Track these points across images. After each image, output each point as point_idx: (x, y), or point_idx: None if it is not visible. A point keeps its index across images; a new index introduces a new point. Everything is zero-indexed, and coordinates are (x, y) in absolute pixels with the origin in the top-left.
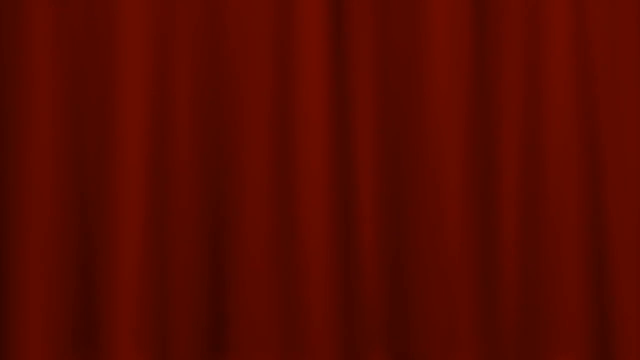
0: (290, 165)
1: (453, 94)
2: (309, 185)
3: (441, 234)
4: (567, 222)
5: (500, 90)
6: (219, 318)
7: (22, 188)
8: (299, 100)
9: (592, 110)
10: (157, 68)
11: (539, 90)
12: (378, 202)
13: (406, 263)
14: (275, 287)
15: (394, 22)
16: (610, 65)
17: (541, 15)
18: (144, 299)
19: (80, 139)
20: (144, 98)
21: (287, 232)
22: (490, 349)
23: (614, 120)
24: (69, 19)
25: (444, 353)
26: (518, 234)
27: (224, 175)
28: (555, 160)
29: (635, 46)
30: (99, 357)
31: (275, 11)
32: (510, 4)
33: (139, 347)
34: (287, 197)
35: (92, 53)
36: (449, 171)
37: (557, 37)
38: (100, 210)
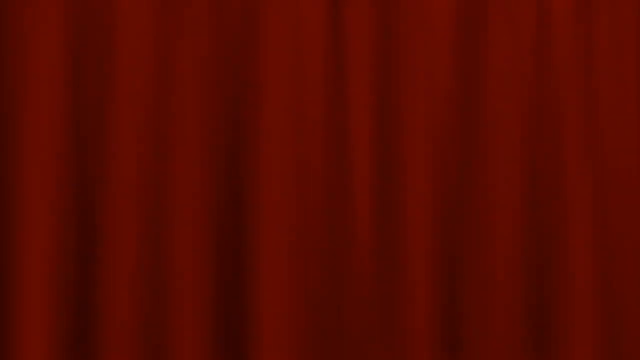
0: (295, 163)
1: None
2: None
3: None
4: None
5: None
6: (222, 319)
7: (22, 188)
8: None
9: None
10: (159, 65)
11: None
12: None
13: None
14: (280, 287)
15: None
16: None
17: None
18: (144, 300)
19: (80, 138)
20: (146, 96)
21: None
22: (495, 347)
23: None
24: (69, 16)
25: (445, 353)
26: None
27: (227, 176)
28: (558, 161)
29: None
30: (99, 358)
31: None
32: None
33: (139, 349)
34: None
35: (92, 51)
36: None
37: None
38: (101, 209)
